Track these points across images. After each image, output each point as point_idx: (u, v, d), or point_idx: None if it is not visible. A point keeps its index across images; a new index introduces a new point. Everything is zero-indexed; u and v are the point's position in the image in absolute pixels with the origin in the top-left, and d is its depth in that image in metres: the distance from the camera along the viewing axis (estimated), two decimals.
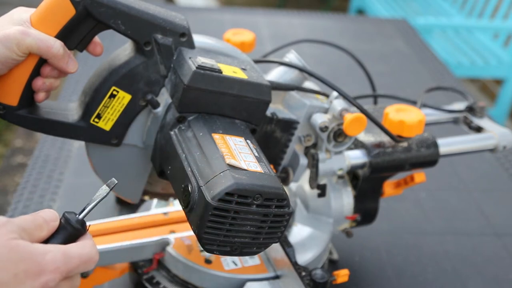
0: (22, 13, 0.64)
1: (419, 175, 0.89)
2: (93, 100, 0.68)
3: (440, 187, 1.23)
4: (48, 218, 0.52)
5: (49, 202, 1.07)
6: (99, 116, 0.69)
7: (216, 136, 0.64)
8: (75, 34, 0.66)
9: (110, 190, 0.56)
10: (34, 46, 0.62)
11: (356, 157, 0.83)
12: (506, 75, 2.78)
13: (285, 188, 0.77)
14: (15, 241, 0.47)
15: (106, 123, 0.70)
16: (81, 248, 0.51)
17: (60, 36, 0.64)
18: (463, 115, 0.98)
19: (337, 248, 1.00)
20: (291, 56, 0.80)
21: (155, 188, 0.78)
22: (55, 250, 0.49)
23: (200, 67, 0.65)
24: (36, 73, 0.65)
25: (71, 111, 0.71)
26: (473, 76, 2.90)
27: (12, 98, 0.65)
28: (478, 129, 0.95)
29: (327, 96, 0.80)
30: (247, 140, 0.66)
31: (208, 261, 0.78)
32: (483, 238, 1.09)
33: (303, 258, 0.81)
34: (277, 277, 0.79)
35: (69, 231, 0.53)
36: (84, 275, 0.79)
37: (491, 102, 3.23)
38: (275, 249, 0.80)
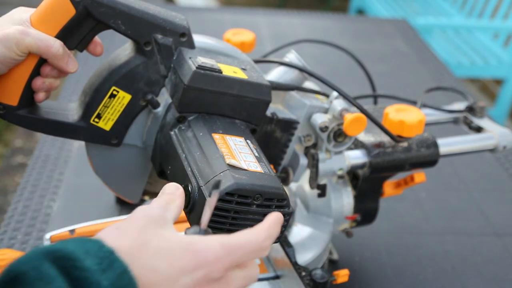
0: (22, 13, 0.64)
1: (419, 175, 0.89)
2: (93, 100, 0.68)
3: (440, 187, 1.23)
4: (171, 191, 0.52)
5: (49, 202, 1.07)
6: (99, 116, 0.69)
7: (216, 136, 0.64)
8: (75, 34, 0.66)
9: None
10: (34, 46, 0.62)
11: (356, 157, 0.83)
12: (506, 75, 2.78)
13: (285, 188, 0.77)
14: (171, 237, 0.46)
15: (106, 123, 0.70)
16: (243, 237, 0.48)
17: (60, 36, 0.64)
18: (463, 115, 0.98)
19: (337, 248, 1.00)
20: (291, 56, 0.80)
21: (155, 188, 0.78)
22: (214, 242, 0.47)
23: (200, 67, 0.65)
24: (36, 73, 0.65)
25: (71, 111, 0.71)
26: (473, 76, 2.90)
27: (12, 98, 0.65)
28: (478, 129, 0.95)
29: (327, 96, 0.80)
30: (247, 140, 0.66)
31: None
32: (483, 238, 1.09)
33: (303, 258, 0.81)
34: (277, 277, 0.79)
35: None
36: None
37: (491, 102, 3.23)
38: (275, 249, 0.80)
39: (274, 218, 0.51)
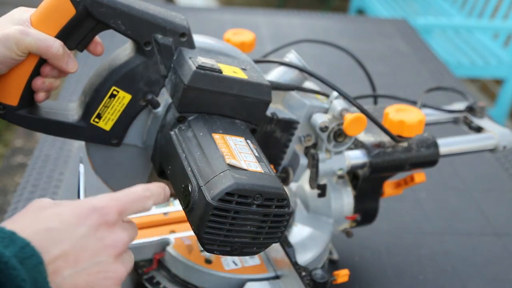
0: (22, 13, 0.64)
1: (419, 175, 0.89)
2: (93, 100, 0.68)
3: (440, 187, 1.23)
4: None
5: None
6: (99, 116, 0.69)
7: (216, 136, 0.64)
8: (75, 34, 0.66)
9: None
10: (34, 46, 0.62)
11: (356, 157, 0.83)
12: (506, 75, 2.78)
13: (285, 188, 0.77)
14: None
15: (106, 123, 0.70)
16: (125, 189, 0.54)
17: (60, 36, 0.64)
18: (463, 115, 0.98)
19: (337, 248, 1.00)
20: (291, 56, 0.80)
21: None
22: (99, 196, 0.52)
23: (200, 67, 0.65)
24: (36, 73, 0.65)
25: (71, 111, 0.71)
26: (473, 76, 2.90)
27: (12, 98, 0.65)
28: (478, 129, 0.95)
29: (327, 96, 0.80)
30: (247, 140, 0.66)
31: (208, 261, 0.78)
32: (483, 238, 1.09)
33: (303, 258, 0.81)
34: (277, 277, 0.79)
35: None
36: None
37: (491, 102, 3.23)
38: (275, 249, 0.80)
39: (156, 183, 0.58)
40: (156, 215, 0.85)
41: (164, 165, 0.68)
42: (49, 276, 0.45)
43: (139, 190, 0.55)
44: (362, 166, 0.84)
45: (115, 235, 0.51)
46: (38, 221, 0.48)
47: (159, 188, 0.57)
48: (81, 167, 0.59)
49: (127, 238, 0.52)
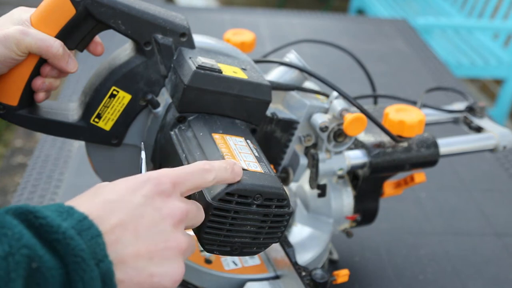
0: (22, 13, 0.64)
1: (419, 175, 0.89)
2: (93, 100, 0.68)
3: (440, 187, 1.23)
4: None
5: (49, 202, 1.07)
6: (99, 116, 0.69)
7: (216, 136, 0.64)
8: (75, 34, 0.66)
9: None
10: (34, 46, 0.62)
11: (356, 157, 0.83)
12: (506, 75, 2.78)
13: (285, 188, 0.77)
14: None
15: (106, 123, 0.70)
16: (190, 164, 0.53)
17: (60, 36, 0.64)
18: (463, 115, 0.98)
19: (337, 248, 1.00)
20: (291, 56, 0.80)
21: None
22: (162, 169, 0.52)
23: (200, 67, 0.65)
24: (36, 73, 0.65)
25: (71, 111, 0.71)
26: (473, 76, 2.90)
27: (12, 98, 0.65)
28: (478, 129, 0.95)
29: (327, 96, 0.80)
30: (247, 140, 0.66)
31: (208, 261, 0.78)
32: (483, 238, 1.09)
33: (303, 258, 0.81)
34: (277, 277, 0.79)
35: None
36: None
37: (491, 102, 3.23)
38: (275, 249, 0.80)
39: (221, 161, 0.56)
40: None
41: (164, 165, 0.68)
42: (110, 246, 0.45)
43: (199, 163, 0.54)
44: (362, 166, 0.84)
45: (172, 204, 0.49)
46: (95, 196, 0.48)
47: (223, 163, 0.55)
48: (143, 154, 0.58)
49: (185, 208, 0.50)
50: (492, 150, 0.93)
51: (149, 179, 0.49)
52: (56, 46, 0.63)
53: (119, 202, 0.47)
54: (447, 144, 0.88)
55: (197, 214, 0.54)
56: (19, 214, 0.43)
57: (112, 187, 0.49)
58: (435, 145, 0.86)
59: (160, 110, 0.69)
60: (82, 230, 0.43)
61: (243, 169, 0.59)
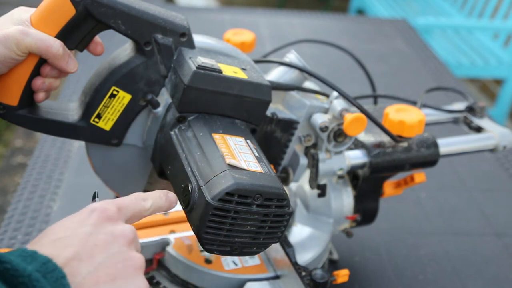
0: (22, 13, 0.64)
1: (419, 175, 0.89)
2: (93, 100, 0.68)
3: (440, 187, 1.23)
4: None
5: (49, 202, 1.07)
6: (99, 116, 0.69)
7: (216, 136, 0.64)
8: (75, 34, 0.66)
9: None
10: (34, 46, 0.62)
11: (356, 157, 0.83)
12: (506, 75, 2.78)
13: (285, 188, 0.77)
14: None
15: (106, 123, 0.70)
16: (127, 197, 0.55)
17: (60, 36, 0.64)
18: (463, 115, 0.98)
19: (337, 248, 1.00)
20: (291, 56, 0.80)
21: (155, 188, 0.78)
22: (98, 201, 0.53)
23: (200, 67, 0.65)
24: (36, 73, 0.65)
25: (71, 111, 0.71)
26: (473, 76, 2.90)
27: (12, 98, 0.65)
28: (478, 129, 0.95)
29: (327, 96, 0.80)
30: (247, 140, 0.66)
31: (208, 261, 0.78)
32: (483, 238, 1.09)
33: (303, 258, 0.81)
34: (277, 277, 0.79)
35: None
36: None
37: (491, 102, 3.23)
38: (275, 249, 0.80)
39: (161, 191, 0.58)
40: (156, 215, 0.85)
41: (164, 165, 0.68)
42: (68, 279, 0.45)
43: (136, 193, 0.56)
44: (362, 166, 0.84)
45: (121, 226, 0.51)
46: (45, 237, 0.49)
47: (157, 192, 0.58)
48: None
49: (134, 229, 0.52)
50: (492, 150, 0.93)
51: (94, 209, 0.51)
52: (56, 46, 0.63)
53: (70, 237, 0.48)
54: (447, 144, 0.88)
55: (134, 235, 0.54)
56: None
57: (60, 224, 0.50)
58: (435, 145, 0.86)
59: (160, 110, 0.69)
60: (47, 272, 0.44)
61: (243, 169, 0.59)
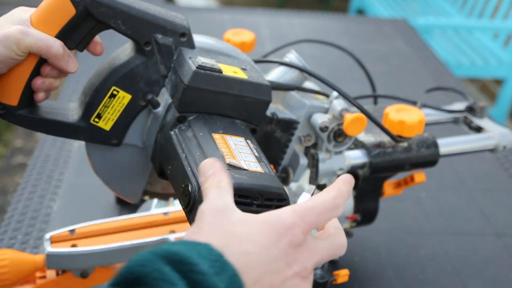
0: (22, 12, 0.64)
1: (419, 175, 0.89)
2: (93, 100, 0.68)
3: (440, 187, 1.23)
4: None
5: (49, 202, 1.07)
6: (99, 116, 0.69)
7: (216, 136, 0.64)
8: (75, 34, 0.66)
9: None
10: (34, 46, 0.62)
11: (356, 157, 0.83)
12: (506, 75, 2.78)
13: (285, 188, 0.77)
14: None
15: (106, 123, 0.70)
16: (312, 200, 0.49)
17: (60, 36, 0.64)
18: (463, 115, 0.98)
19: None
20: (291, 56, 0.80)
21: (155, 188, 0.78)
22: (285, 211, 0.48)
23: (200, 67, 0.65)
24: (36, 72, 0.65)
25: (71, 111, 0.71)
26: (473, 76, 2.91)
27: (12, 97, 0.65)
28: (478, 129, 0.95)
29: (327, 96, 0.80)
30: (247, 140, 0.66)
31: None
32: (483, 238, 1.09)
33: None
34: None
35: None
36: (84, 275, 0.79)
37: (491, 102, 3.23)
38: None
39: (342, 178, 0.52)
40: (156, 215, 0.85)
41: (164, 165, 0.68)
42: None
43: (328, 198, 0.49)
44: (362, 166, 0.84)
45: (303, 258, 0.47)
46: (232, 239, 0.45)
47: (347, 185, 0.51)
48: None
49: (314, 260, 0.48)
50: (492, 150, 0.93)
51: (284, 230, 0.46)
52: (56, 46, 0.63)
53: (257, 256, 0.45)
54: (447, 144, 0.88)
55: (331, 253, 0.50)
56: (175, 263, 0.41)
57: (247, 231, 0.46)
58: (435, 145, 0.86)
59: (160, 110, 0.69)
60: None
61: (243, 169, 0.59)
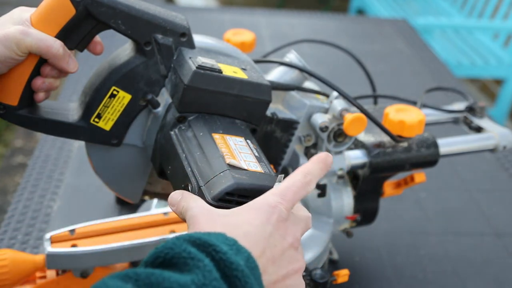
0: (22, 12, 0.64)
1: (419, 175, 0.89)
2: (93, 100, 0.68)
3: (440, 187, 1.23)
4: None
5: (49, 202, 1.07)
6: (99, 116, 0.69)
7: (216, 136, 0.64)
8: (75, 34, 0.66)
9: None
10: (34, 46, 0.62)
11: (356, 157, 0.83)
12: (506, 75, 2.78)
13: None
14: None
15: (106, 123, 0.70)
16: (285, 181, 0.56)
17: (60, 36, 0.64)
18: (463, 115, 0.98)
19: (337, 248, 1.00)
20: (291, 56, 0.80)
21: (155, 188, 0.78)
22: (266, 194, 0.54)
23: (200, 67, 0.65)
24: (36, 73, 0.65)
25: (71, 111, 0.71)
26: (473, 76, 2.90)
27: (12, 98, 0.65)
28: (478, 129, 0.95)
29: (327, 96, 0.80)
30: (247, 140, 0.66)
31: None
32: (483, 238, 1.09)
33: None
34: None
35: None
36: (84, 275, 0.79)
37: (491, 102, 3.23)
38: None
39: (315, 157, 0.58)
40: (156, 215, 0.85)
41: (164, 165, 0.68)
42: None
43: (299, 178, 0.56)
44: (362, 166, 0.84)
45: (291, 229, 0.53)
46: (233, 228, 0.50)
47: (318, 164, 0.58)
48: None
49: (300, 231, 0.54)
50: (492, 150, 0.93)
51: (271, 208, 0.52)
52: (56, 46, 0.63)
53: (257, 234, 0.50)
54: (447, 144, 0.88)
55: (307, 224, 0.56)
56: (199, 245, 0.46)
57: (242, 219, 0.52)
58: (435, 145, 0.86)
59: (160, 110, 0.69)
60: (251, 268, 0.46)
61: (243, 169, 0.59)
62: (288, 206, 0.53)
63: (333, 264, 0.97)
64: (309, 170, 0.57)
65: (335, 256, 0.98)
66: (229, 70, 0.68)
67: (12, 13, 0.64)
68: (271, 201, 0.53)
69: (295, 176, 0.56)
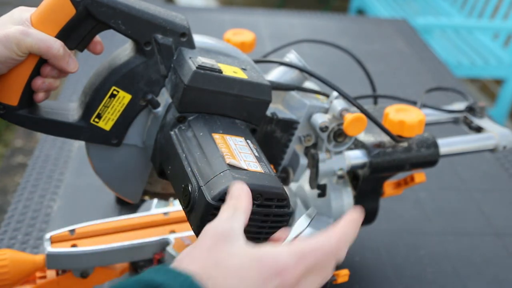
0: (22, 12, 0.64)
1: (419, 175, 0.89)
2: (93, 100, 0.68)
3: (440, 187, 1.23)
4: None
5: (49, 202, 1.07)
6: (99, 116, 0.69)
7: (216, 136, 0.64)
8: (75, 34, 0.66)
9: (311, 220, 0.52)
10: (34, 46, 0.62)
11: (356, 157, 0.83)
12: (506, 75, 2.78)
13: (285, 188, 0.77)
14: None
15: (106, 123, 0.70)
16: (313, 241, 0.47)
17: (60, 36, 0.64)
18: (463, 115, 0.98)
19: None
20: (291, 56, 0.80)
21: (155, 188, 0.78)
22: (282, 251, 0.46)
23: (200, 67, 0.65)
24: (36, 73, 0.65)
25: (71, 111, 0.71)
26: (473, 76, 2.91)
27: (12, 98, 0.65)
28: (478, 129, 0.95)
29: (327, 96, 0.80)
30: (247, 140, 0.66)
31: None
32: (483, 238, 1.09)
33: None
34: None
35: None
36: (84, 275, 0.79)
37: (491, 102, 3.23)
38: None
39: (350, 218, 0.50)
40: (156, 215, 0.85)
41: (164, 165, 0.68)
42: None
43: (332, 241, 0.47)
44: (362, 166, 0.84)
45: None
46: (221, 271, 0.45)
47: (354, 226, 0.49)
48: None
49: None
50: (492, 150, 0.93)
51: (277, 272, 0.45)
52: (56, 46, 0.63)
53: None
54: (447, 144, 0.88)
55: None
56: None
57: (239, 268, 0.45)
58: (435, 145, 0.86)
59: (160, 110, 0.69)
60: None
61: (243, 169, 0.59)
62: (299, 274, 0.45)
63: None
64: (346, 233, 0.47)
65: None
66: (229, 70, 0.68)
67: (12, 13, 0.64)
68: (281, 263, 0.45)
69: (329, 237, 0.47)
